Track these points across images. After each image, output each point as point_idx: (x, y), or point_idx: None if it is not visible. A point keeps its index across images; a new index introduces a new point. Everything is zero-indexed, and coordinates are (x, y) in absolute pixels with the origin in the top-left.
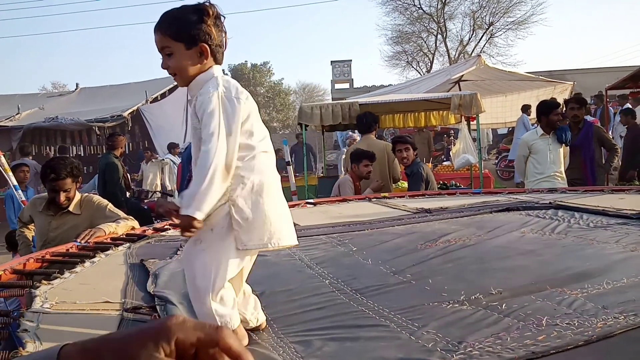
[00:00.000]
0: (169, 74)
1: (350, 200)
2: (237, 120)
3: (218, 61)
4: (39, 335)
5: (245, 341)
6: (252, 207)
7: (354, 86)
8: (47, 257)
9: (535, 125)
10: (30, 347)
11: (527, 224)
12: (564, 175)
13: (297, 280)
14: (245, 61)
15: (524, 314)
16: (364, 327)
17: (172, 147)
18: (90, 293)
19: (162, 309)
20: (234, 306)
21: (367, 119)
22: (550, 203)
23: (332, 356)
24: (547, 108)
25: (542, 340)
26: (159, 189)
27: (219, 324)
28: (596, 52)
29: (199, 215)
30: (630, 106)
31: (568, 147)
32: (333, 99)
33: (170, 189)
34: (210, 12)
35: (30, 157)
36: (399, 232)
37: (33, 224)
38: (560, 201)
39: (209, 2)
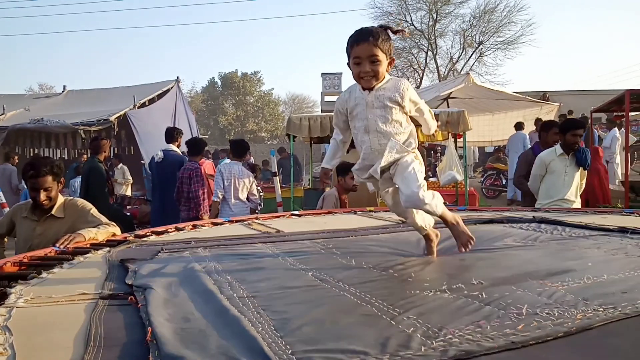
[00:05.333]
0: (364, 76)
1: (335, 213)
2: None
3: None
4: (10, 327)
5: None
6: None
7: None
8: (25, 260)
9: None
10: (0, 338)
11: (509, 234)
12: (578, 200)
13: (281, 272)
14: (236, 70)
15: (505, 303)
16: (344, 311)
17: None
18: (66, 288)
19: (140, 293)
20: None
21: None
22: (533, 217)
23: (310, 336)
24: (566, 126)
25: (521, 330)
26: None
27: (434, 209)
28: (583, 74)
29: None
30: (617, 131)
31: (586, 172)
32: (322, 111)
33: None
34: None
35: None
36: (384, 239)
37: (7, 238)
38: (544, 217)
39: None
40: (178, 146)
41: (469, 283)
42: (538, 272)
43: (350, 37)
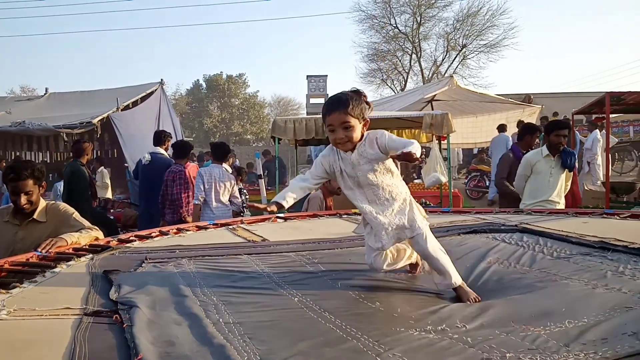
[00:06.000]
0: (340, 141)
1: (321, 216)
2: None
3: None
4: None
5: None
6: None
7: None
8: (6, 266)
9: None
10: None
11: (493, 249)
12: (562, 201)
13: (267, 297)
14: (221, 72)
15: (488, 347)
16: (330, 344)
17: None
18: (50, 301)
19: (125, 312)
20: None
21: None
22: (516, 226)
23: None
24: (550, 127)
25: None
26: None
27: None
28: (565, 77)
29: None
30: (598, 132)
31: (571, 173)
32: (308, 114)
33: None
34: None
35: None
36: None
37: None
38: (526, 223)
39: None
40: (166, 149)
41: (454, 325)
42: (521, 315)
43: (324, 106)
